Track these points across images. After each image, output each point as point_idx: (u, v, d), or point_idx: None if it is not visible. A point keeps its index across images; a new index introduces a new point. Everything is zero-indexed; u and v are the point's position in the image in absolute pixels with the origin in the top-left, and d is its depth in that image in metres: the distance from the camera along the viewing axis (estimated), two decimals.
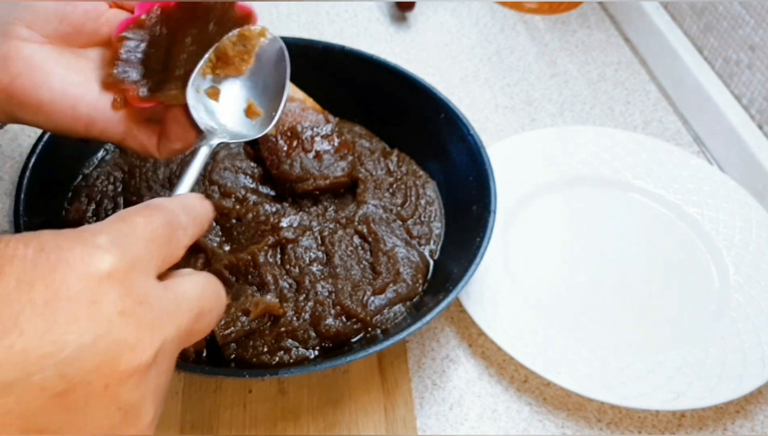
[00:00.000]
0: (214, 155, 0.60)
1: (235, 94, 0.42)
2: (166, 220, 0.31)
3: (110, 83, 0.39)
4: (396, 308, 0.53)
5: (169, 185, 0.58)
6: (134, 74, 0.39)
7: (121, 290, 0.27)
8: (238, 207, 0.57)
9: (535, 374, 0.54)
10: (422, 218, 0.59)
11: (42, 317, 0.24)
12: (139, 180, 0.58)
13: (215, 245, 0.55)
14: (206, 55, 0.40)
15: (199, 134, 0.40)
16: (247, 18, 0.42)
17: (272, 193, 0.60)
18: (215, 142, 0.39)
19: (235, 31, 0.41)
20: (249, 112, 0.42)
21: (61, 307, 0.25)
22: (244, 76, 0.42)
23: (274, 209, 0.57)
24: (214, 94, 0.41)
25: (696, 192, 0.67)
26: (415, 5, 0.87)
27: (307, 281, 0.52)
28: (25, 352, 0.24)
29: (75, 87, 0.39)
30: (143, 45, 0.40)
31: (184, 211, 0.32)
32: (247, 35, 0.41)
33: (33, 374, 0.24)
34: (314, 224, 0.56)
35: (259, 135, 0.42)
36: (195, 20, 0.41)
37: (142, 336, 0.27)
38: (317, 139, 0.61)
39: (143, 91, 0.39)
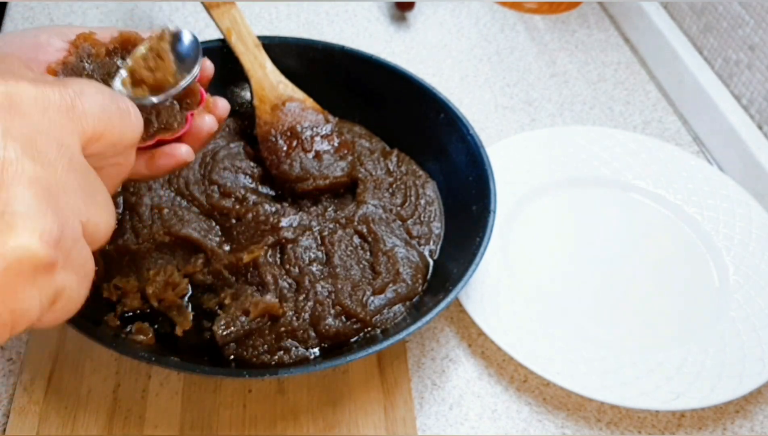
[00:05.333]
0: (213, 155, 0.60)
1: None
2: None
3: None
4: (396, 308, 0.53)
5: (168, 185, 0.58)
6: None
7: None
8: (238, 207, 0.57)
9: (535, 374, 0.54)
10: (422, 218, 0.59)
11: None
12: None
13: (215, 244, 0.55)
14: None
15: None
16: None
17: (272, 193, 0.60)
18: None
19: (142, 48, 0.42)
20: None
21: None
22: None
23: (274, 209, 0.57)
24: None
25: (696, 192, 0.67)
26: (415, 5, 0.87)
27: (306, 281, 0.52)
28: None
29: None
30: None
31: None
32: (156, 47, 0.43)
33: None
34: (314, 224, 0.56)
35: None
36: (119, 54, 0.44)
37: None
38: (317, 139, 0.61)
39: None
